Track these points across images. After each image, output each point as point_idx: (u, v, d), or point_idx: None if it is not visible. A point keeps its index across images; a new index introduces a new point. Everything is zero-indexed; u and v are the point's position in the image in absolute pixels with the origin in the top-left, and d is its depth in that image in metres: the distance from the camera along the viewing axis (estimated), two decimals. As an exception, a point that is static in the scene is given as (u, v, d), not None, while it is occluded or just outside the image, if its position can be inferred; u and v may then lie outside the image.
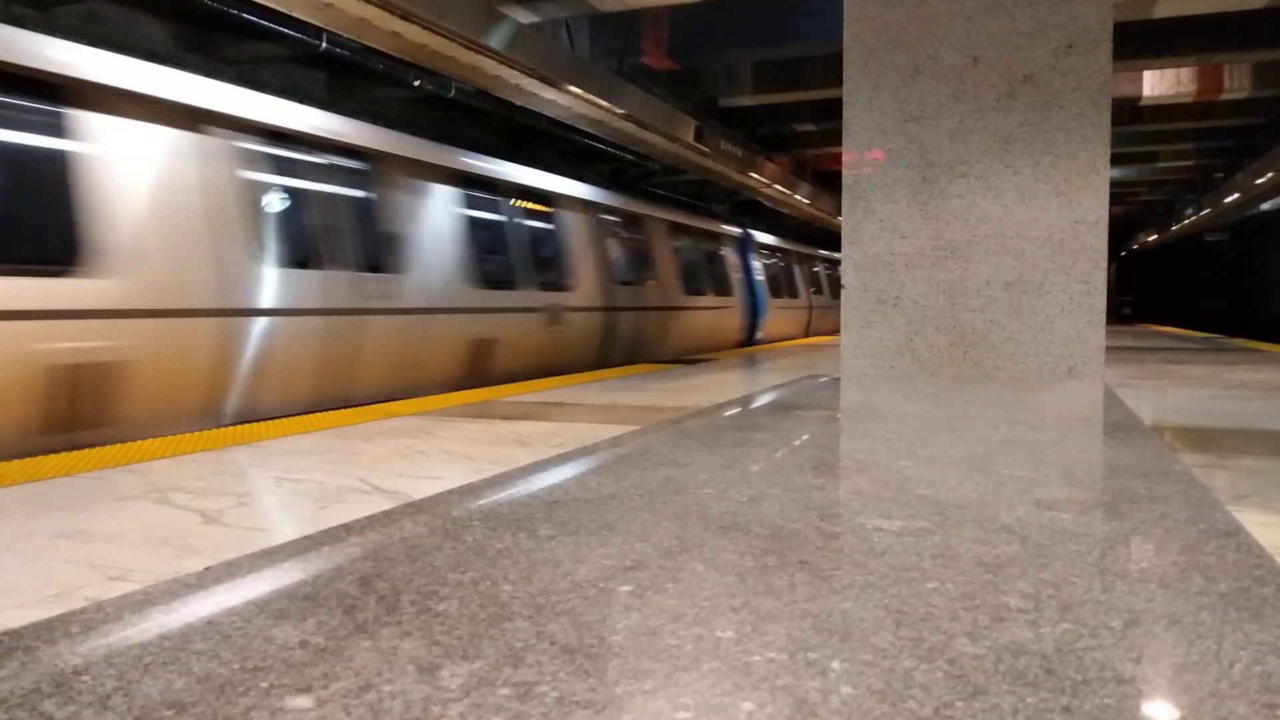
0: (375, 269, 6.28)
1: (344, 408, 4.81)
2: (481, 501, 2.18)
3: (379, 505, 2.17)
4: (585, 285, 9.22)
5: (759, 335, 15.53)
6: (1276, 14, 8.72)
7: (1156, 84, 11.59)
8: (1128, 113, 12.75)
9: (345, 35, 6.75)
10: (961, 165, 5.50)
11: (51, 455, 3.02)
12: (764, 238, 16.61)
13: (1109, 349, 5.73)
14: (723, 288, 13.92)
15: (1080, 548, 1.71)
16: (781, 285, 17.08)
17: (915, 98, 5.58)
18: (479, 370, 7.39)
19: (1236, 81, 11.24)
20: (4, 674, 1.15)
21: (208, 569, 1.63)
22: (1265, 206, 19.97)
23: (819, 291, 20.44)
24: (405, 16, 6.29)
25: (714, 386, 5.53)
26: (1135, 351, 9.23)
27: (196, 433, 3.55)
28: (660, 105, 10.53)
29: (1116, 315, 28.99)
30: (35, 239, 4.36)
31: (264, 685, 1.10)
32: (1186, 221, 23.87)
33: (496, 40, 7.24)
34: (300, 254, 5.68)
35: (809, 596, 1.43)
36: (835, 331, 20.00)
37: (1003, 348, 5.48)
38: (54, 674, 1.15)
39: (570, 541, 1.77)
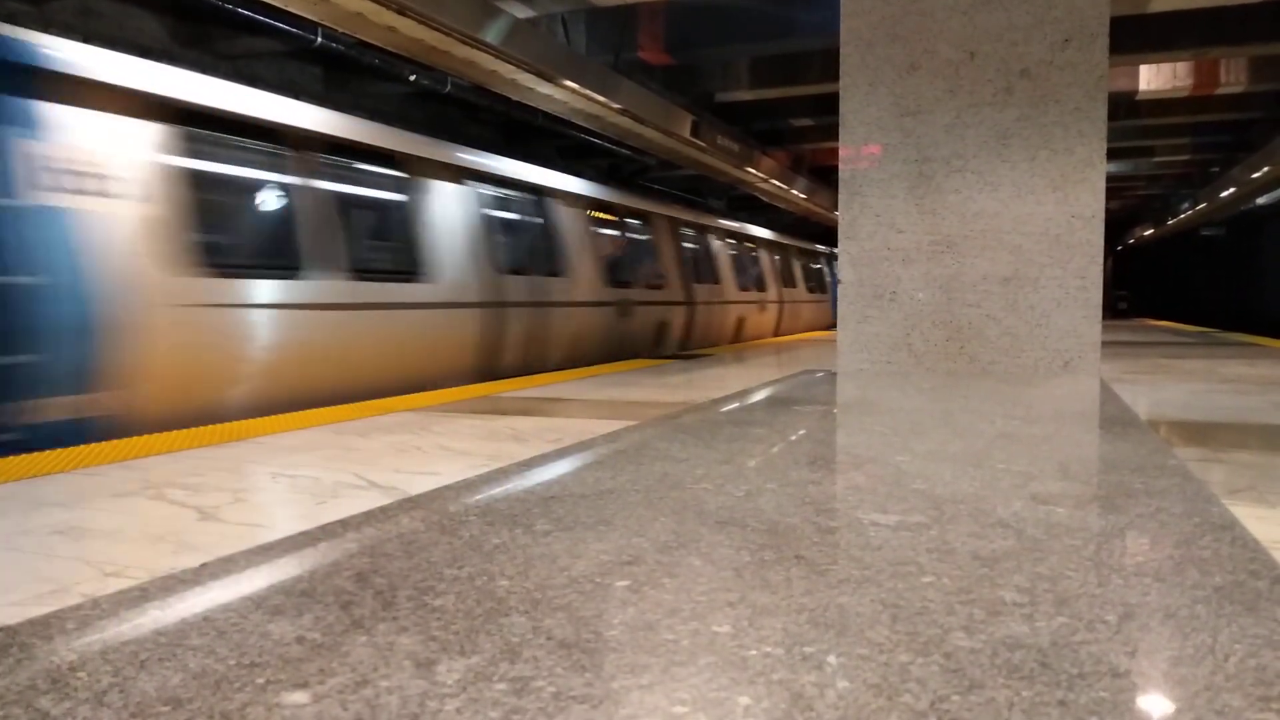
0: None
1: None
2: (478, 497, 2.18)
3: (375, 501, 2.17)
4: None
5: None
6: (1273, 8, 8.71)
7: (1153, 78, 11.58)
8: (1124, 107, 12.74)
9: (340, 30, 6.72)
10: (958, 160, 5.50)
11: (55, 451, 3.01)
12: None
13: (1105, 343, 5.74)
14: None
15: (1076, 542, 1.71)
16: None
17: (912, 92, 5.57)
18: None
19: (1233, 76, 11.23)
20: (0, 670, 1.15)
21: (204, 565, 1.62)
22: (1261, 201, 19.99)
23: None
24: (401, 11, 6.27)
25: (711, 381, 5.53)
26: (1131, 346, 9.24)
27: (194, 429, 3.55)
28: (657, 100, 10.50)
29: (1113, 310, 29.03)
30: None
31: (260, 681, 1.10)
32: (1183, 216, 23.89)
33: (493, 35, 7.22)
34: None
35: (805, 591, 1.43)
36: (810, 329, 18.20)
37: (999, 342, 5.48)
38: (50, 670, 1.15)
39: (567, 537, 1.77)
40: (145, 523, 1.99)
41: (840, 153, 5.76)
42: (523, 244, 8.84)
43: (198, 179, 5.13)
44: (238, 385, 5.20)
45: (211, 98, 5.29)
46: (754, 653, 1.18)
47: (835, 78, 5.77)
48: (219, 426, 3.60)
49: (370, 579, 1.51)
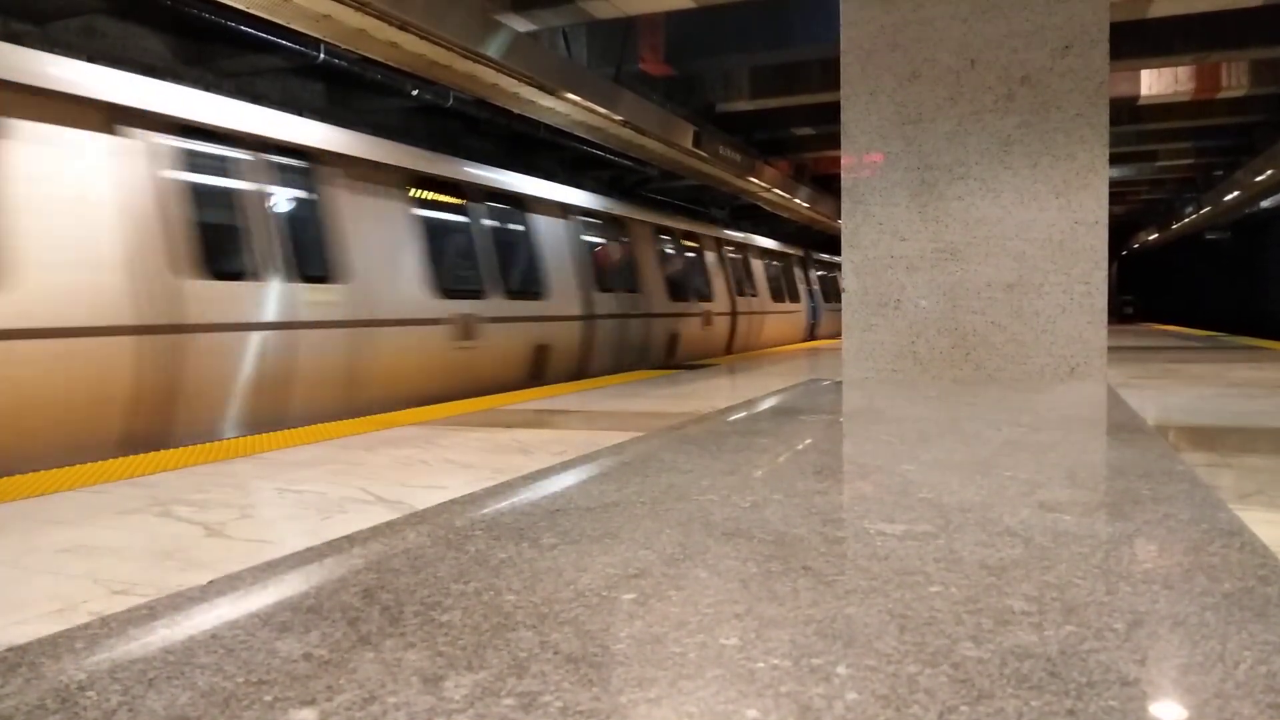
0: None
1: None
2: (484, 511, 2.18)
3: (381, 516, 2.17)
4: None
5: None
6: (1273, 12, 8.72)
7: (1154, 83, 11.59)
8: (1126, 112, 12.75)
9: (343, 46, 6.77)
10: (960, 167, 5.50)
11: (63, 468, 3.02)
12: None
13: (1111, 349, 5.72)
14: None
15: (1083, 549, 1.71)
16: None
17: (913, 100, 5.58)
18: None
19: (1234, 79, 11.24)
20: (9, 690, 1.15)
21: (211, 582, 1.63)
22: (1265, 204, 19.96)
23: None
24: (403, 26, 6.31)
25: (716, 392, 5.52)
26: (1137, 351, 9.22)
27: (202, 445, 3.55)
28: (658, 111, 10.55)
29: (1118, 315, 28.96)
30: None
31: (268, 699, 1.10)
32: (1187, 220, 23.86)
33: (494, 49, 7.26)
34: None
35: (812, 602, 1.43)
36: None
37: (1004, 349, 5.48)
38: (59, 689, 1.15)
39: (573, 550, 1.77)
40: (152, 540, 2.00)
41: (842, 161, 5.77)
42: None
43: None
44: None
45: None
46: (761, 665, 1.18)
47: (836, 87, 5.79)
48: (224, 443, 3.60)
49: (377, 595, 1.51)
